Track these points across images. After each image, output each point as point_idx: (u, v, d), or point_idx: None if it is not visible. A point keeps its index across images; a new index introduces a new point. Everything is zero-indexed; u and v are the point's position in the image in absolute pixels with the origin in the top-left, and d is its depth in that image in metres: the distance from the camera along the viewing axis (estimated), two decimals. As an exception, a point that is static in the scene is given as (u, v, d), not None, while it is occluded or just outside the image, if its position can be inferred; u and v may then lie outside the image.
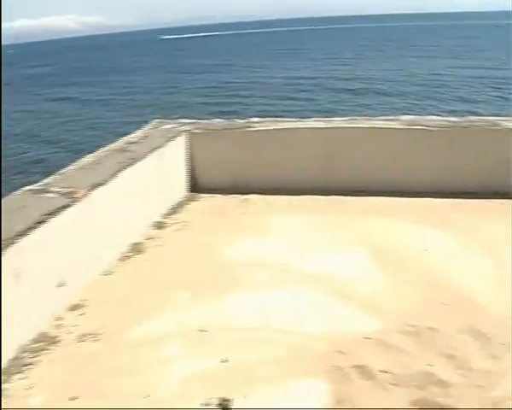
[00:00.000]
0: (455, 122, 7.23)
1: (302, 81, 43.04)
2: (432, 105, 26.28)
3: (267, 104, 30.71)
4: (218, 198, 7.16)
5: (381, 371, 3.65)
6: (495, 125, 7.23)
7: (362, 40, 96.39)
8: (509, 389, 3.53)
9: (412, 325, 4.13)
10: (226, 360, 3.89)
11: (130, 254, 5.68)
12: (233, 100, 34.66)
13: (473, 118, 7.63)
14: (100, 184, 5.34)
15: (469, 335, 4.05)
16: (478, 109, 24.21)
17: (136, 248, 5.79)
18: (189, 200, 7.16)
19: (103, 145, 6.73)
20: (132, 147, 6.60)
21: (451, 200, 6.77)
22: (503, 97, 33.88)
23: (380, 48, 75.73)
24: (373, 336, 4.02)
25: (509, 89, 37.53)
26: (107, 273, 5.26)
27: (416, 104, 27.62)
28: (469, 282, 4.79)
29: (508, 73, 44.43)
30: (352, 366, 3.72)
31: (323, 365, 3.76)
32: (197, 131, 7.49)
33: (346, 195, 6.97)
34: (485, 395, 3.45)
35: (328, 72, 48.85)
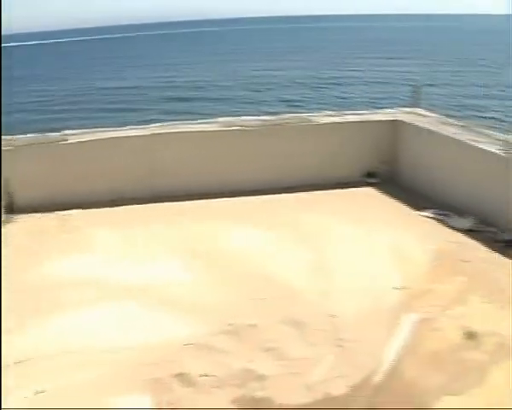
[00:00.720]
0: (268, 121, 7.51)
1: (125, 91, 41.57)
2: (257, 109, 27.01)
3: (85, 118, 29.22)
4: (37, 217, 6.73)
5: (201, 376, 3.64)
6: (308, 121, 7.63)
7: (217, 43, 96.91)
8: (325, 372, 3.70)
9: (232, 325, 4.17)
10: (42, 391, 3.65)
11: None
12: (46, 116, 32.43)
13: (287, 115, 7.96)
14: None
15: (288, 325, 4.19)
16: (298, 109, 25.43)
17: None
18: (3, 222, 6.66)
19: None
20: None
21: (275, 196, 6.99)
22: (321, 96, 36.15)
23: (219, 51, 76.72)
24: (194, 342, 3.99)
25: (331, 88, 40.15)
26: None
27: (245, 108, 28.20)
28: (289, 275, 4.95)
29: (331, 73, 47.44)
30: (172, 375, 3.67)
31: (144, 378, 3.67)
32: (8, 148, 7.00)
33: (170, 201, 6.91)
34: (301, 381, 3.59)
35: (157, 79, 48.20)
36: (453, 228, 5.96)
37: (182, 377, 3.65)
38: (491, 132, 6.84)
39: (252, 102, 33.27)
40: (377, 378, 3.56)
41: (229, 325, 4.16)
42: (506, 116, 28.21)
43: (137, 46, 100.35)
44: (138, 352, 3.96)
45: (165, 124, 7.63)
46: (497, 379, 3.60)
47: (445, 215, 6.22)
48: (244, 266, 5.12)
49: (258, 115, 7.98)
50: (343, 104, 29.26)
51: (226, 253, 5.42)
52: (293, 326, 4.17)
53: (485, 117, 27.45)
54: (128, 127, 7.64)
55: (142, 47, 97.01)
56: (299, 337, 4.06)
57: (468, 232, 5.84)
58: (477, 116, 26.84)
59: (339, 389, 3.48)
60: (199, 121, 7.57)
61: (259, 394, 3.44)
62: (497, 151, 5.98)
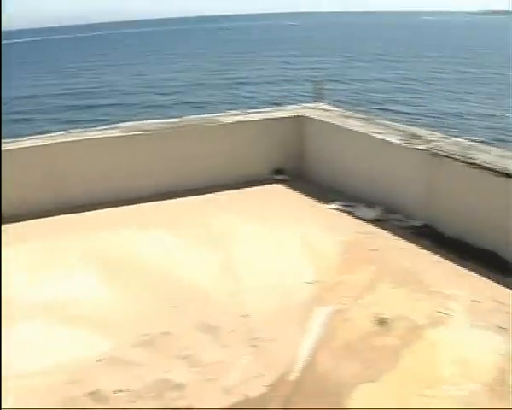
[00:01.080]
0: (172, 123, 7.41)
1: (18, 101, 39.40)
2: (161, 113, 26.51)
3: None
4: None
5: (115, 392, 3.51)
6: (213, 121, 7.58)
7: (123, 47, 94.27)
8: (241, 374, 3.67)
9: (145, 335, 4.06)
10: None
11: None
12: None
13: (191, 117, 7.88)
14: None
15: (200, 331, 4.13)
16: (203, 111, 25.33)
17: None
18: None
19: None
20: None
21: (182, 199, 6.90)
22: (227, 96, 36.27)
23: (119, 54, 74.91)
24: (106, 357, 3.86)
25: (237, 88, 40.36)
26: None
27: (148, 113, 27.59)
28: (199, 278, 4.90)
29: (236, 73, 47.64)
30: (85, 393, 3.52)
31: (56, 399, 3.49)
32: None
33: (76, 211, 6.68)
34: (219, 385, 3.54)
35: (56, 86, 46.17)
36: (360, 218, 6.12)
37: (95, 395, 3.50)
38: (393, 124, 7.05)
39: (155, 106, 32.83)
40: (293, 375, 3.56)
41: (144, 335, 4.05)
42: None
43: (40, 50, 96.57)
44: (50, 372, 3.77)
45: (66, 132, 7.35)
46: (409, 362, 3.71)
47: (351, 207, 6.37)
48: (155, 274, 5.01)
49: (162, 119, 7.81)
50: (249, 103, 29.49)
51: (136, 261, 5.28)
52: (206, 330, 4.12)
53: (387, 110, 28.56)
54: (26, 138, 7.30)
55: (44, 51, 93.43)
56: (213, 341, 4.01)
57: (376, 222, 6.01)
58: (380, 109, 27.88)
59: (256, 389, 3.45)
60: (101, 128, 7.35)
61: (177, 403, 3.35)
62: (399, 141, 6.18)
